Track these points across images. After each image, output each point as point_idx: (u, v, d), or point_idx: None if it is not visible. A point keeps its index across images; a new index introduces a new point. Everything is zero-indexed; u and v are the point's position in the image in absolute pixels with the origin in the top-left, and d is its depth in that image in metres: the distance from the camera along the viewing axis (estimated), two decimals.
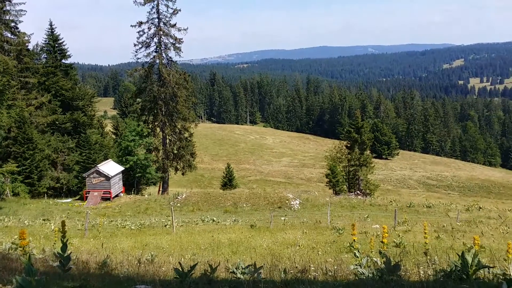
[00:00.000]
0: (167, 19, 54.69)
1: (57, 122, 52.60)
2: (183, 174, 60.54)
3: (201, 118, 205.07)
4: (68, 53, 58.45)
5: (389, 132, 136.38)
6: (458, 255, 6.42)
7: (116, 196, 46.81)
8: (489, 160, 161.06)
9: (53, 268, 8.27)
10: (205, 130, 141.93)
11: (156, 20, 54.52)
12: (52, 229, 22.08)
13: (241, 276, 6.91)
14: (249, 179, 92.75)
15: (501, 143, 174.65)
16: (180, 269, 6.59)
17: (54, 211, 38.31)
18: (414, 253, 12.42)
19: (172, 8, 54.35)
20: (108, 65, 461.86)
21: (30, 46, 55.92)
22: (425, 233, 10.83)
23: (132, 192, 52.19)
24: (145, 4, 53.56)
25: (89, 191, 44.88)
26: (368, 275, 6.69)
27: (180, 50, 55.47)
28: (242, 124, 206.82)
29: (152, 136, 56.74)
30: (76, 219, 32.90)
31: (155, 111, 56.75)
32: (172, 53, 56.44)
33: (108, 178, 44.80)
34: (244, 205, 40.57)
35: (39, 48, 58.04)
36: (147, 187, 58.82)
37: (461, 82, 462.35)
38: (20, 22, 52.35)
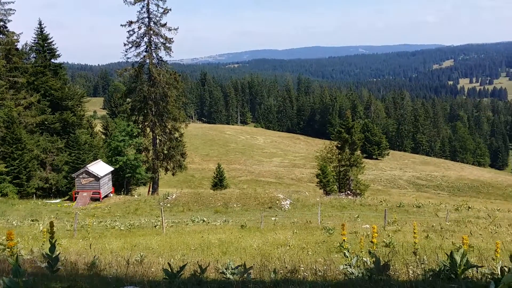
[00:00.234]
0: (157, 18, 54.48)
1: (46, 122, 52.21)
2: (173, 174, 60.36)
3: (192, 118, 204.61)
4: (57, 53, 58.04)
5: (379, 132, 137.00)
6: (447, 254, 6.44)
7: (106, 196, 46.56)
8: (478, 160, 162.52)
9: (41, 269, 8.19)
10: (196, 130, 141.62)
11: (147, 19, 54.29)
12: (40, 230, 21.89)
13: (231, 277, 6.88)
14: (240, 180, 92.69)
15: (490, 143, 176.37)
16: (169, 270, 6.56)
17: (43, 212, 38.01)
18: (403, 253, 12.47)
19: (162, 8, 54.17)
20: (98, 64, 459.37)
21: (19, 46, 55.59)
22: (414, 233, 10.88)
23: (122, 192, 51.92)
24: (135, 3, 53.29)
25: (78, 192, 44.60)
26: (358, 275, 6.70)
27: (171, 49, 55.27)
28: (232, 124, 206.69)
29: (142, 136, 56.49)
30: (65, 220, 32.67)
31: (145, 111, 56.50)
32: (162, 53, 56.31)
33: (97, 178, 44.53)
34: (235, 205, 40.52)
35: (28, 48, 57.62)
36: (137, 188, 58.53)
37: (450, 82, 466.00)
38: (9, 21, 52.03)
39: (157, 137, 57.21)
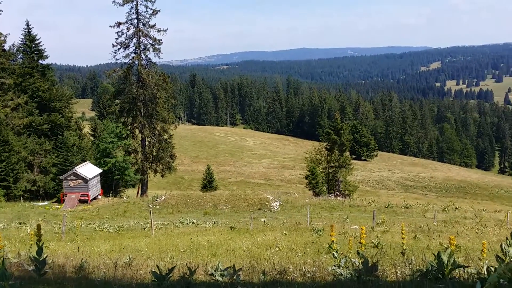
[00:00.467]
0: (146, 19, 54.33)
1: (33, 124, 51.74)
2: (162, 176, 60.15)
3: (181, 120, 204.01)
4: (45, 54, 57.54)
5: (368, 133, 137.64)
6: (434, 255, 6.50)
7: (94, 198, 46.24)
8: (465, 161, 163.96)
9: (28, 272, 8.13)
10: (185, 131, 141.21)
11: (135, 20, 54.10)
12: (28, 233, 21.70)
13: (220, 279, 6.89)
14: (229, 181, 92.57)
15: (476, 145, 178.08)
16: (158, 272, 6.54)
17: (31, 214, 37.64)
18: (391, 253, 12.56)
19: (151, 9, 54.04)
20: (86, 66, 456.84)
21: (6, 46, 54.91)
22: (402, 233, 10.96)
23: (111, 194, 51.62)
24: (124, 4, 53.09)
25: (67, 194, 44.25)
26: (346, 276, 6.74)
27: (160, 51, 55.17)
28: (222, 126, 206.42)
29: (131, 138, 56.23)
30: (53, 222, 32.38)
31: (134, 113, 56.25)
32: (151, 54, 56.10)
33: (85, 180, 44.23)
34: (224, 207, 40.48)
35: (15, 49, 57.01)
36: (126, 190, 58.22)
37: (438, 84, 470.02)
38: None
39: (146, 138, 56.97)
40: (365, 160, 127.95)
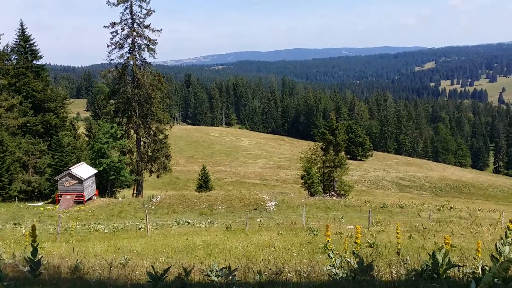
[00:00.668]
0: (140, 20, 54.20)
1: (28, 124, 51.52)
2: (158, 176, 60.03)
3: (176, 120, 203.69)
4: (39, 54, 57.29)
5: (363, 133, 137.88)
6: (429, 254, 6.52)
7: (89, 199, 46.11)
8: (460, 161, 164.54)
9: (23, 273, 8.10)
10: (180, 132, 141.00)
11: (130, 21, 53.96)
12: (23, 233, 21.60)
13: (216, 279, 6.88)
14: (225, 181, 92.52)
15: (471, 144, 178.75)
16: (153, 273, 6.53)
17: (26, 215, 37.50)
18: (387, 253, 12.58)
19: (145, 9, 53.92)
20: (81, 66, 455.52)
21: (0, 47, 54.71)
22: (397, 233, 11.00)
23: (106, 195, 51.47)
24: (118, 4, 52.94)
25: (62, 194, 44.10)
26: (342, 276, 6.75)
27: (154, 51, 55.05)
28: (217, 126, 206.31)
29: (126, 138, 56.06)
30: (48, 223, 32.27)
31: (129, 113, 56.12)
32: (146, 54, 55.99)
33: (81, 181, 44.10)
34: (220, 207, 40.46)
35: (9, 49, 56.69)
36: (121, 190, 58.07)
37: (432, 84, 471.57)
38: None
39: (141, 139, 56.85)
40: (360, 160, 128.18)
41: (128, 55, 54.58)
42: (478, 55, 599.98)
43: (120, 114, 57.41)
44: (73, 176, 43.95)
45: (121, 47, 54.36)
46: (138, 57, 55.14)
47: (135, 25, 54.05)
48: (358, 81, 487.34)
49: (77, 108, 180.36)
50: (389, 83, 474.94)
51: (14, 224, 31.15)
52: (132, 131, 57.46)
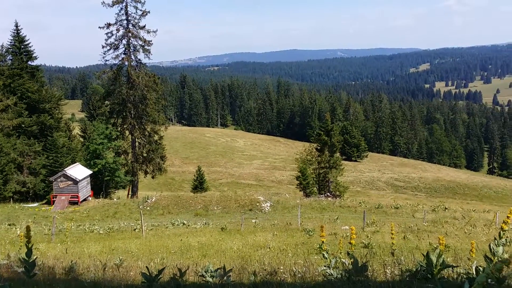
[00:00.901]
0: (136, 20, 54.11)
1: (23, 125, 51.35)
2: (153, 177, 59.96)
3: (172, 121, 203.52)
4: (34, 55, 57.18)
5: (358, 134, 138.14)
6: (423, 255, 6.54)
7: (84, 200, 46.00)
8: (454, 161, 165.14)
9: (17, 274, 8.07)
10: (176, 133, 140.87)
11: (125, 21, 53.87)
12: (17, 234, 21.52)
13: (210, 280, 6.88)
14: (220, 182, 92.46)
15: (465, 145, 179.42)
16: (148, 274, 6.52)
17: (20, 216, 37.36)
18: (381, 254, 12.62)
19: (141, 10, 53.84)
20: (76, 67, 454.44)
21: None
22: (392, 233, 11.04)
23: (101, 196, 51.35)
24: (113, 5, 52.84)
25: (56, 195, 43.97)
26: (336, 276, 6.76)
27: (149, 52, 54.96)
28: (213, 127, 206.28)
29: (121, 139, 55.97)
30: (43, 224, 32.18)
31: (124, 114, 56.02)
32: (141, 55, 55.93)
33: (75, 182, 43.98)
34: (215, 208, 40.44)
35: (4, 50, 56.57)
36: (116, 191, 57.95)
37: (427, 85, 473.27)
38: None
39: (136, 140, 56.75)
40: (355, 161, 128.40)
41: (123, 56, 54.51)
42: (472, 57, 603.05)
43: (115, 115, 57.30)
44: (68, 177, 43.83)
45: (116, 48, 54.26)
46: (133, 58, 55.08)
47: (130, 26, 53.97)
48: (353, 83, 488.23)
49: (72, 109, 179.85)
50: (384, 84, 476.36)
51: (9, 225, 31.03)
52: (127, 132, 57.35)
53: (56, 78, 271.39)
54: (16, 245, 16.62)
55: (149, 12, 54.07)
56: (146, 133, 56.64)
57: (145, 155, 56.86)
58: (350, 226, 22.98)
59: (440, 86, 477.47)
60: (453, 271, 6.79)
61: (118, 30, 53.88)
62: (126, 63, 54.61)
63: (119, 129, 56.82)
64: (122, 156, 56.03)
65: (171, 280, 6.73)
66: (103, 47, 53.79)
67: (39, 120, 52.78)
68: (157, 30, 55.13)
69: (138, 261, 11.55)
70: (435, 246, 13.49)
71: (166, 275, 7.41)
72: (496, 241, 6.29)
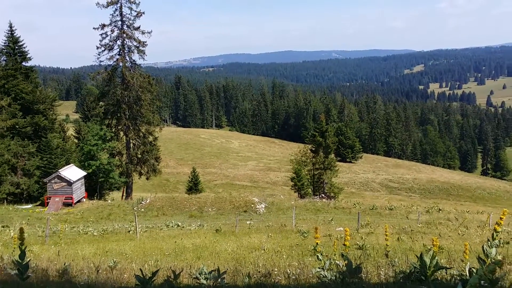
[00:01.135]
0: (130, 21, 53.93)
1: (17, 126, 51.08)
2: (147, 178, 59.79)
3: (166, 122, 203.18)
4: (28, 56, 56.84)
5: (352, 135, 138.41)
6: (417, 256, 6.57)
7: (78, 201, 45.83)
8: (448, 163, 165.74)
9: (11, 276, 8.03)
10: (170, 134, 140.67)
11: (120, 22, 53.71)
12: (11, 236, 21.44)
13: (204, 282, 6.88)
14: (215, 183, 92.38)
15: (459, 147, 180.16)
16: (142, 276, 6.51)
17: (14, 218, 37.15)
18: (375, 255, 12.65)
19: (135, 11, 53.66)
20: (70, 68, 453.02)
21: None
22: (386, 235, 11.07)
23: (95, 197, 51.18)
24: (108, 6, 52.65)
25: (50, 197, 43.79)
26: (331, 278, 6.78)
27: (144, 53, 54.80)
28: (207, 128, 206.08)
29: (115, 140, 55.78)
30: (36, 226, 32.02)
31: (119, 115, 55.84)
32: (136, 56, 55.89)
33: (70, 183, 43.81)
34: (210, 209, 40.39)
35: None
36: (110, 192, 57.78)
37: (421, 87, 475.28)
38: None
39: (131, 141, 56.60)
40: (350, 162, 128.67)
41: (117, 57, 54.33)
42: (466, 58, 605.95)
43: (109, 116, 57.11)
44: (62, 179, 43.67)
45: (110, 49, 54.08)
46: (128, 59, 54.90)
47: (125, 27, 53.81)
48: (348, 84, 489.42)
49: (67, 110, 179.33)
50: (378, 85, 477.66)
51: (3, 226, 30.87)
52: (121, 133, 57.17)
53: (51, 79, 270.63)
54: (9, 247, 16.54)
55: (143, 13, 53.94)
56: (141, 134, 56.49)
57: (139, 156, 56.71)
58: (344, 227, 23.03)
59: (434, 87, 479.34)
60: (446, 273, 6.82)
61: (112, 31, 53.71)
62: (121, 64, 54.44)
63: (113, 130, 56.62)
64: (117, 157, 55.87)
65: (165, 282, 6.72)
66: (97, 48, 53.62)
67: (33, 121, 52.54)
68: (151, 31, 55.01)
69: (132, 263, 11.52)
70: (429, 247, 13.52)
71: (160, 278, 7.40)
72: (489, 242, 6.32)
